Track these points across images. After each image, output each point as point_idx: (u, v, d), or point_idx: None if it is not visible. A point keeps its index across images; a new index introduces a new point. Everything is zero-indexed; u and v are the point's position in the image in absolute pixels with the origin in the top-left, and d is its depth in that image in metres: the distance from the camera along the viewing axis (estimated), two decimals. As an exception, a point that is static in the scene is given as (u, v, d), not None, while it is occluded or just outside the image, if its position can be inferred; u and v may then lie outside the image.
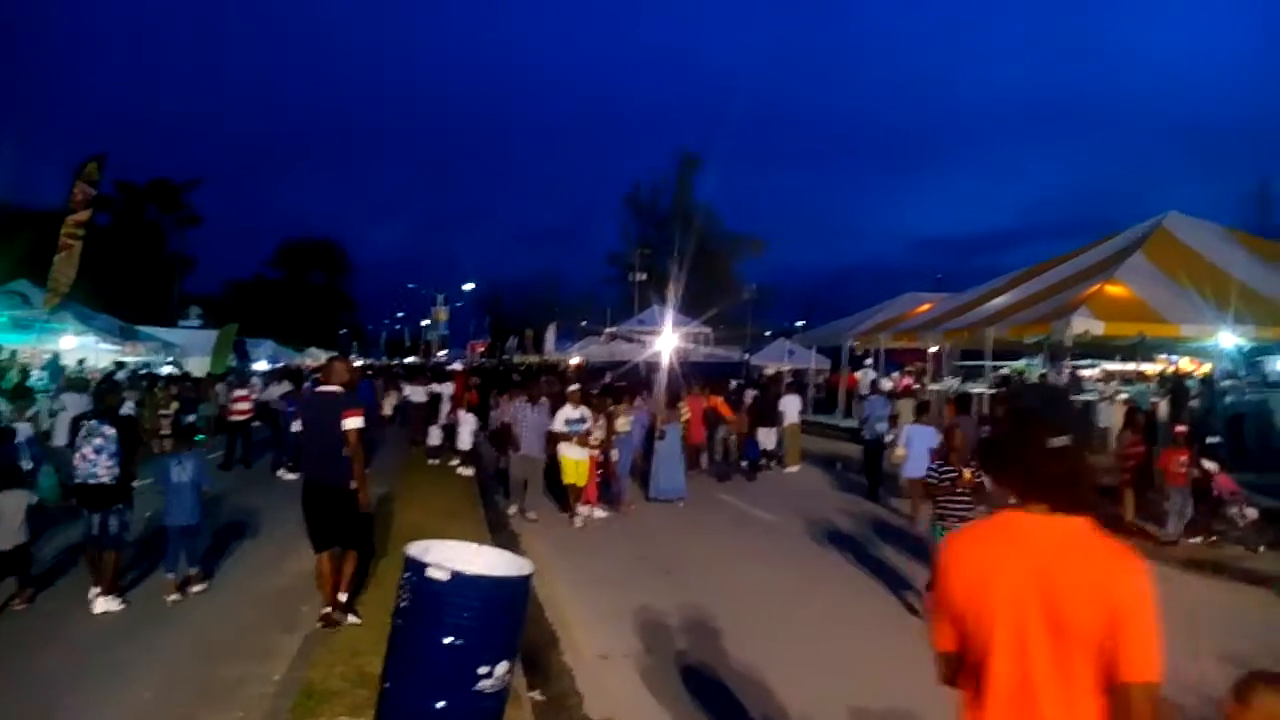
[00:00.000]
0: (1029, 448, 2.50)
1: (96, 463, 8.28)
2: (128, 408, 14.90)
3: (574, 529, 12.57)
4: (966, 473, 8.03)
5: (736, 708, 6.33)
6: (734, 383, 21.62)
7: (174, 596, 8.54)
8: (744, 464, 17.64)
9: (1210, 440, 12.99)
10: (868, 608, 8.90)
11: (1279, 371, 22.46)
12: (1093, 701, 2.32)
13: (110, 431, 8.44)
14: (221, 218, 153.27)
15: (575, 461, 12.87)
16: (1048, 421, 2.52)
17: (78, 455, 8.38)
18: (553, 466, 13.39)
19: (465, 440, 16.95)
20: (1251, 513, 11.39)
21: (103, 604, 8.16)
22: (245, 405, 18.32)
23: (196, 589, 8.83)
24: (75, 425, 9.35)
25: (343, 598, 7.67)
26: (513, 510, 13.24)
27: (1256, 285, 17.95)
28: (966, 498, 8.00)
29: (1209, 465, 11.89)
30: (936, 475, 8.17)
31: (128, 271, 51.39)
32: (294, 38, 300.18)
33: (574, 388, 13.72)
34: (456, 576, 4.27)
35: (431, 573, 4.30)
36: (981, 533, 2.61)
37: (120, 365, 27.77)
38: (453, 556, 4.55)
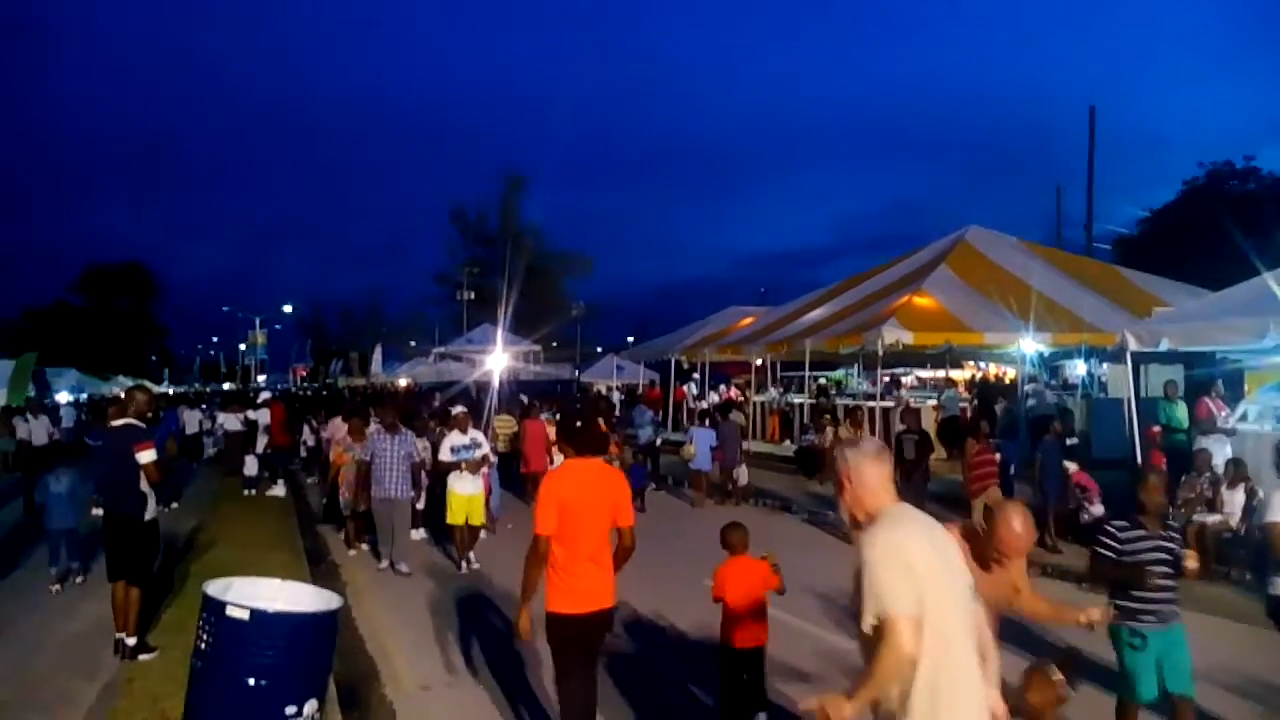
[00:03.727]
0: (583, 429, 5.34)
1: None
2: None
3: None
4: (1190, 557, 5.30)
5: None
6: (525, 397, 20.66)
7: (55, 587, 9.89)
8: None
9: (1069, 442, 13.34)
10: (687, 606, 8.62)
11: (1077, 375, 23.86)
12: (609, 542, 5.15)
13: None
14: (18, 242, 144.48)
15: (466, 497, 11.10)
16: (581, 414, 5.50)
17: None
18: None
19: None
20: (1098, 510, 11.55)
21: None
22: None
23: (77, 580, 10.11)
24: None
25: (131, 641, 7.48)
26: (383, 564, 11.09)
27: (1053, 295, 19.09)
28: (1172, 586, 5.18)
29: (1069, 465, 12.38)
30: (1116, 548, 5.21)
31: (-90, 299, 47.71)
32: (97, 46, 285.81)
33: (459, 410, 12.27)
34: (257, 615, 4.12)
35: (231, 611, 4.13)
36: (565, 470, 5.22)
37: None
38: (254, 594, 4.38)
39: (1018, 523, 4.15)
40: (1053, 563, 10.82)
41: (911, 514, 3.30)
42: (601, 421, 16.06)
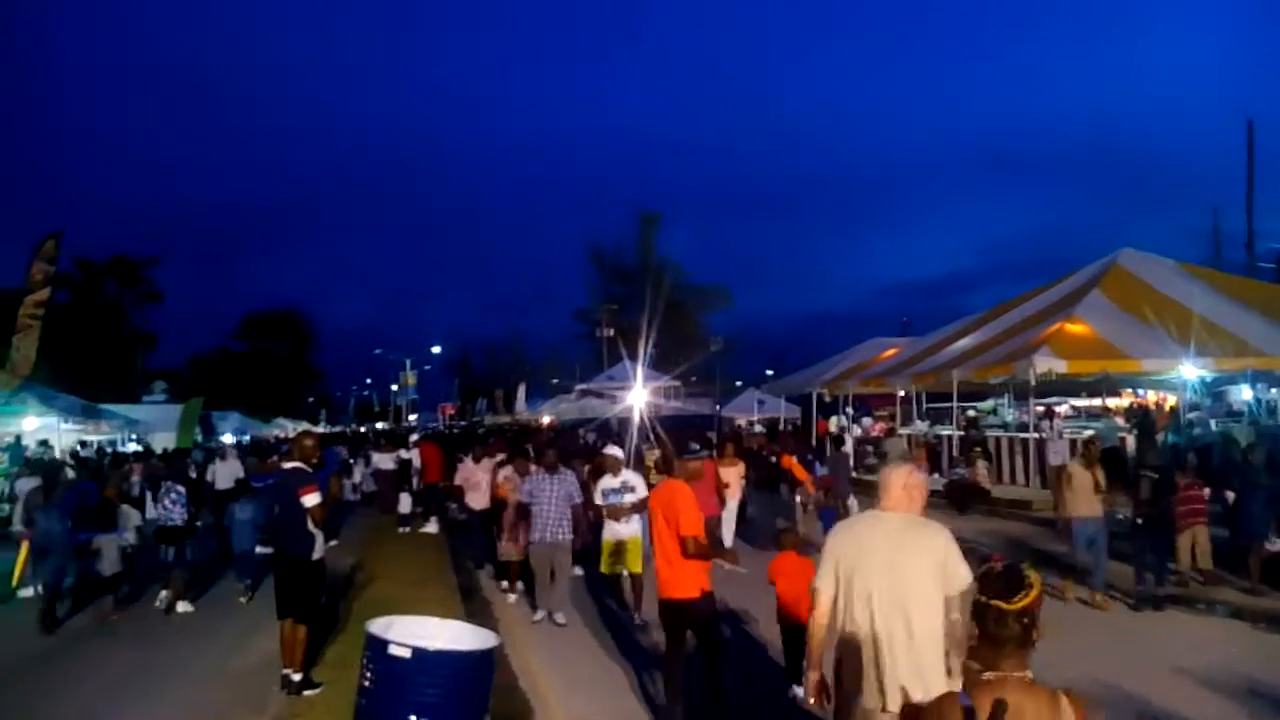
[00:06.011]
0: (673, 459, 7.52)
1: (173, 510, 11.64)
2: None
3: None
4: None
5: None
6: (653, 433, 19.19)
7: (242, 599, 11.82)
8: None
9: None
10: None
11: (1243, 401, 22.67)
12: (678, 545, 6.43)
13: (181, 488, 11.97)
14: (185, 292, 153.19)
15: (613, 543, 10.42)
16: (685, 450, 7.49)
17: (159, 505, 11.87)
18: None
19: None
20: (1277, 544, 10.82)
21: (181, 606, 11.37)
22: None
23: (241, 599, 11.81)
24: (28, 509, 12.39)
25: (296, 677, 7.77)
26: (538, 616, 10.41)
27: (1214, 317, 18.21)
28: None
29: (1228, 495, 11.70)
30: None
31: (89, 349, 50.91)
32: (253, 109, 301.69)
33: (613, 451, 11.24)
34: (418, 653, 4.21)
35: (393, 650, 4.23)
36: (657, 488, 7.19)
37: (84, 444, 27.47)
38: (415, 632, 4.48)
39: None
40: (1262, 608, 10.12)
41: (876, 517, 4.42)
42: (794, 459, 15.74)
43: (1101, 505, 10.37)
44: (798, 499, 15.43)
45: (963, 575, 4.06)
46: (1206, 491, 11.62)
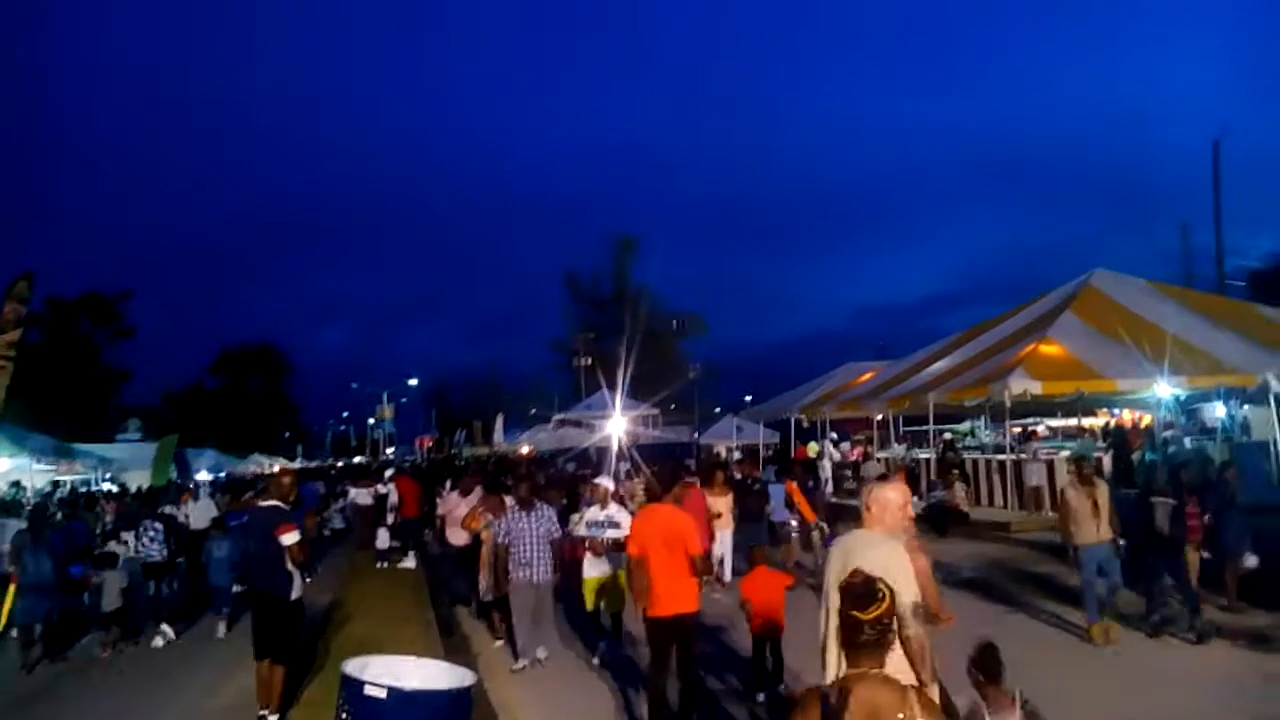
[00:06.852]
0: (667, 483, 8.58)
1: (152, 547, 12.66)
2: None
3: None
4: None
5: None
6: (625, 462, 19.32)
7: (221, 628, 12.18)
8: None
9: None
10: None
11: (1216, 418, 22.83)
12: (684, 566, 6.98)
13: (159, 525, 13.09)
14: (158, 323, 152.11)
15: (597, 580, 10.11)
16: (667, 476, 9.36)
17: (140, 542, 12.71)
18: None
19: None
20: (1252, 561, 10.78)
21: (160, 637, 11.89)
22: None
23: (221, 629, 12.17)
24: (16, 550, 12.07)
25: (273, 718, 7.71)
26: (520, 664, 9.75)
27: (1187, 336, 18.36)
28: None
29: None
30: None
31: (62, 388, 50.52)
32: (224, 138, 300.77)
33: (603, 482, 10.87)
34: (394, 693, 4.16)
35: (369, 690, 4.19)
36: (646, 513, 7.58)
37: (57, 485, 27.18)
38: (391, 671, 4.43)
39: None
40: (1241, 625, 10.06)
41: (858, 535, 4.68)
42: (797, 486, 15.56)
43: (1109, 529, 9.85)
44: (793, 522, 15.02)
45: (901, 592, 3.98)
46: (1202, 514, 11.48)
